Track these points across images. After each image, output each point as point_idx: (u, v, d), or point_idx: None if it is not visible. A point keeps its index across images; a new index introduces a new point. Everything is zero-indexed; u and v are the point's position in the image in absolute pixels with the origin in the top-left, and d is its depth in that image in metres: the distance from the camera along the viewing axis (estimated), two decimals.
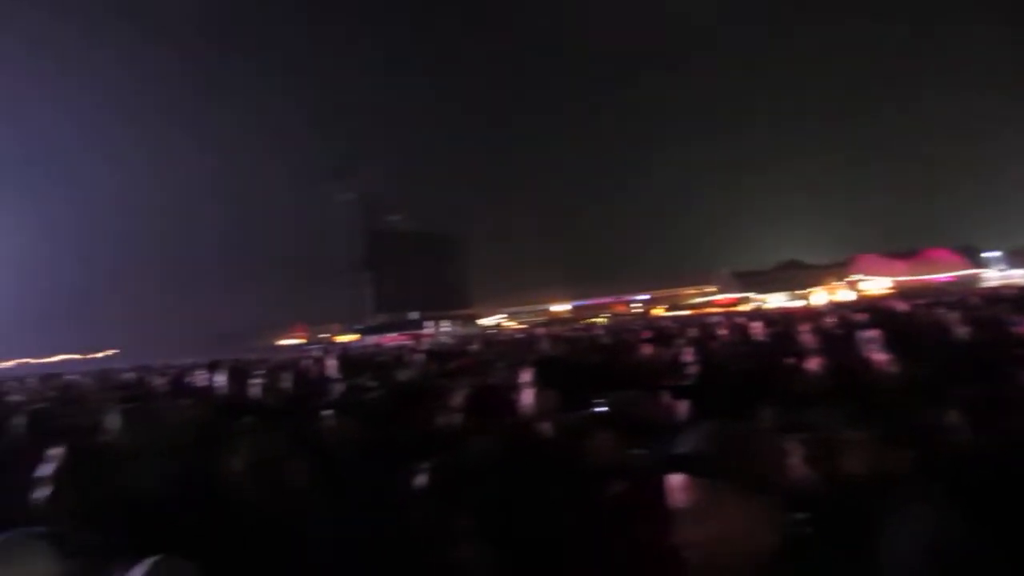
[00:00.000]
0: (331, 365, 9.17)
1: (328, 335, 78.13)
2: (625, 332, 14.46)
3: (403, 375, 8.00)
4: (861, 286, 70.75)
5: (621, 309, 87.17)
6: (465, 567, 2.08)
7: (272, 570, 2.33)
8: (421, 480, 2.54)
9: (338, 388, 5.63)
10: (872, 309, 13.43)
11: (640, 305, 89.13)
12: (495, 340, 20.32)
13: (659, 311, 71.37)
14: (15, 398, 8.19)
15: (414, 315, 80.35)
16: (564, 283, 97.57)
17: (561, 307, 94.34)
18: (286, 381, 6.46)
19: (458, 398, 3.49)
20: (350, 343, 49.62)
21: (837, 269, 79.49)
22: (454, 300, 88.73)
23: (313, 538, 2.57)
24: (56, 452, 2.53)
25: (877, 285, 68.26)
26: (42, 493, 2.43)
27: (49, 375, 16.99)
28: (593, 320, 59.09)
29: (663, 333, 8.41)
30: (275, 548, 2.40)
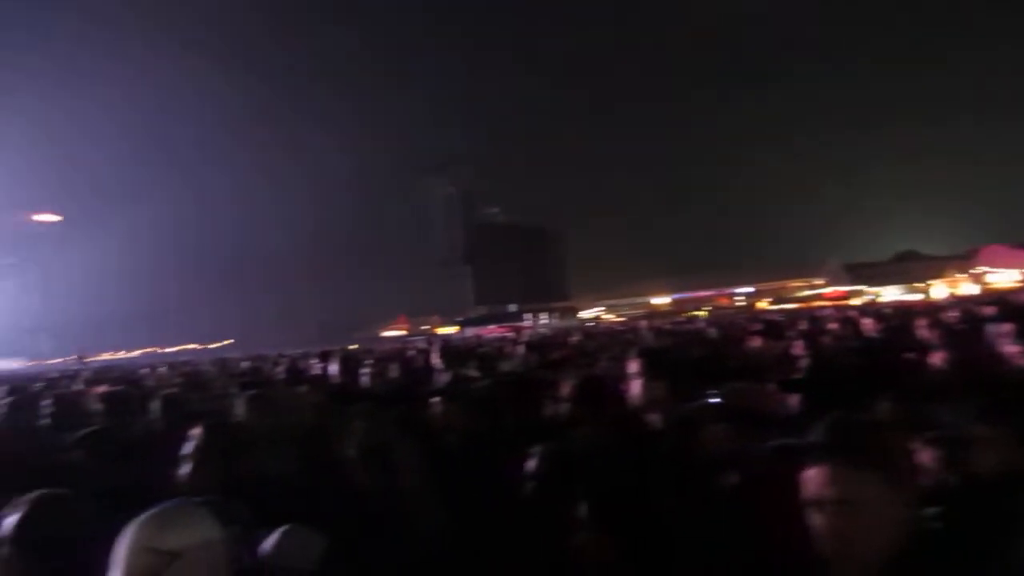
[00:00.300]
0: (435, 356, 9.40)
1: (429, 327, 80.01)
2: (731, 325, 14.05)
3: (506, 366, 8.09)
4: (987, 279, 65.85)
5: (724, 302, 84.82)
6: (579, 554, 2.09)
7: (382, 551, 2.41)
8: (532, 467, 2.57)
9: (443, 378, 5.76)
10: (1001, 302, 12.46)
11: (743, 298, 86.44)
12: (595, 332, 20.21)
13: (764, 304, 68.94)
14: (149, 384, 8.84)
15: (513, 307, 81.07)
16: (664, 276, 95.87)
17: (661, 300, 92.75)
18: (393, 370, 6.68)
19: (565, 388, 3.50)
20: (450, 335, 50.66)
21: (958, 261, 74.44)
22: (553, 293, 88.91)
23: (422, 522, 2.65)
24: (194, 433, 2.73)
25: (1004, 278, 63.32)
26: (182, 470, 2.63)
27: (175, 363, 18.21)
28: (695, 313, 57.73)
29: (773, 326, 8.12)
30: (385, 530, 2.48)
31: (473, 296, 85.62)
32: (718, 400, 2.88)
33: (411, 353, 10.96)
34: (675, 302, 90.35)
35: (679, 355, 6.00)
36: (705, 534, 2.01)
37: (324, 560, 1.77)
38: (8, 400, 5.38)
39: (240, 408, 3.48)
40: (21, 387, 7.68)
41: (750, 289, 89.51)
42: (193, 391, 6.69)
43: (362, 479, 2.70)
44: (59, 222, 56.20)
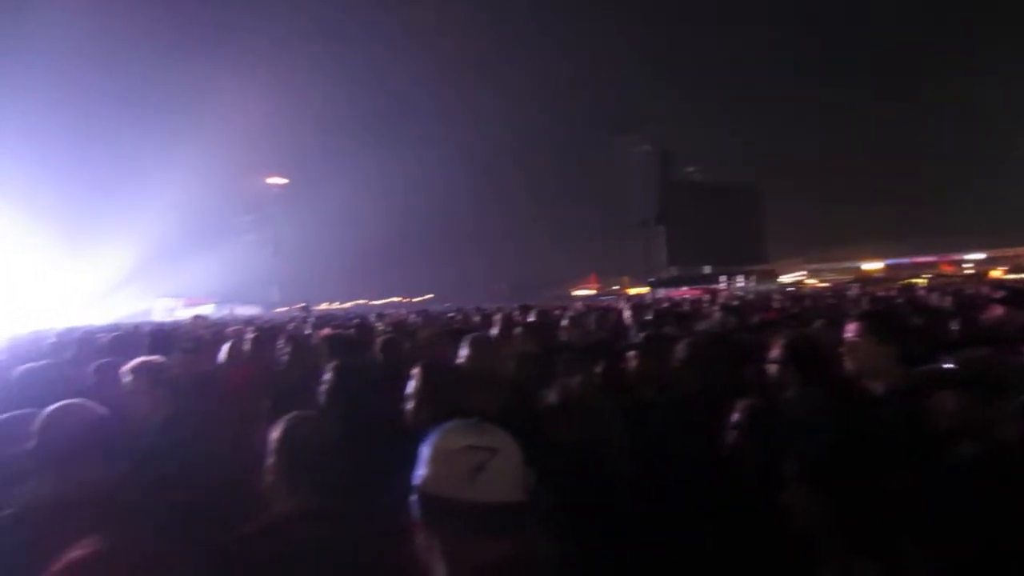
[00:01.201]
0: (627, 313, 9.39)
1: (619, 287, 79.78)
2: (962, 293, 12.61)
3: (701, 326, 7.89)
4: None
5: (949, 269, 76.04)
6: (786, 511, 2.01)
7: (583, 500, 2.47)
8: (737, 419, 2.50)
9: (638, 334, 5.75)
10: None
11: (972, 265, 76.95)
12: (799, 297, 19.06)
13: (997, 273, 60.81)
14: (368, 329, 9.66)
15: (707, 269, 78.37)
16: (876, 239, 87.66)
17: (873, 265, 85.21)
18: (590, 325, 6.78)
19: (774, 349, 3.35)
20: (641, 296, 50.16)
21: None
22: (750, 255, 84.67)
23: (619, 472, 2.68)
24: (414, 373, 2.98)
25: None
26: (406, 406, 2.89)
27: (383, 313, 19.70)
28: (912, 280, 52.28)
29: (1019, 294, 7.16)
30: (585, 478, 2.54)
31: (665, 256, 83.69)
32: (953, 367, 2.60)
33: (605, 310, 11.03)
34: (889, 268, 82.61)
35: (903, 321, 5.49)
36: (939, 507, 1.85)
37: (534, 492, 1.86)
38: (252, 337, 6.17)
39: (462, 351, 3.74)
40: (265, 328, 8.76)
41: (981, 256, 79.59)
42: (404, 337, 7.26)
43: (563, 427, 2.79)
44: (287, 184, 62.49)
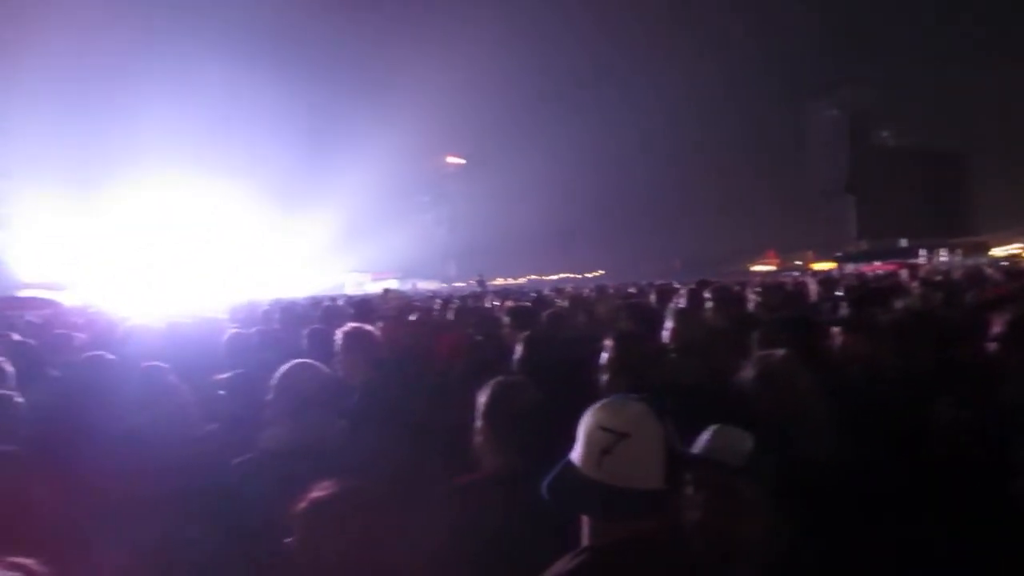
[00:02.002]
0: (815, 289, 8.84)
1: (801, 262, 75.07)
2: None
3: (901, 303, 7.27)
4: None
5: None
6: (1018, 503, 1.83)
7: (784, 477, 2.38)
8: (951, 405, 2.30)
9: (833, 310, 5.44)
10: None
11: None
12: (1016, 272, 16.92)
13: None
14: (543, 301, 9.86)
15: (903, 242, 71.67)
16: None
17: None
18: (775, 299, 6.46)
19: (996, 326, 3.02)
20: (827, 271, 46.95)
21: None
22: (955, 226, 76.30)
23: (818, 450, 2.55)
24: (607, 344, 3.03)
25: None
26: (601, 377, 2.94)
27: (559, 288, 19.96)
28: None
29: None
30: (785, 455, 2.44)
31: (855, 229, 77.35)
32: None
33: (792, 283, 10.47)
34: None
35: None
36: None
37: (753, 458, 1.84)
38: (454, 308, 6.57)
39: (667, 323, 3.77)
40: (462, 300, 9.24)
41: None
42: (577, 309, 7.34)
43: (763, 402, 2.69)
44: (464, 164, 64.83)
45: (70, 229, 45.64)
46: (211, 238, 50.43)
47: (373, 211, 54.64)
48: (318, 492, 1.76)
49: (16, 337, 6.47)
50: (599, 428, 1.59)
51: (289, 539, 1.74)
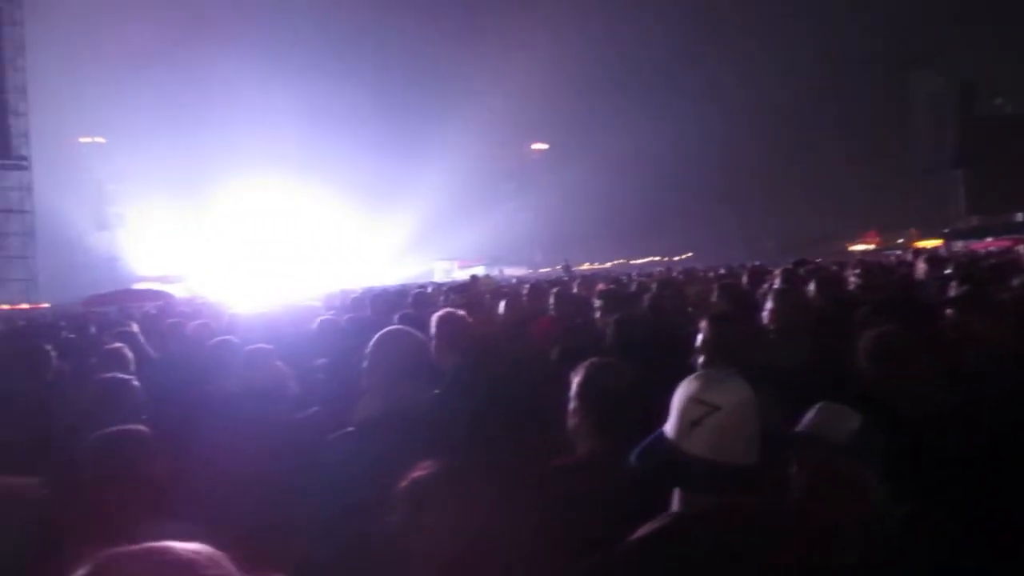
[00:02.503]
0: (922, 268, 8.37)
1: (903, 240, 70.99)
2: None
3: (1019, 280, 6.77)
4: None
5: None
6: None
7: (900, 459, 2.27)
8: None
9: (936, 288, 5.15)
10: None
11: None
12: None
13: None
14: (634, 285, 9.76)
15: (1020, 216, 66.69)
16: None
17: None
18: (878, 278, 6.17)
19: None
20: (933, 249, 44.36)
21: None
22: None
23: (938, 432, 2.41)
24: (702, 326, 2.96)
25: None
26: (696, 359, 2.89)
27: (647, 271, 19.69)
28: None
29: None
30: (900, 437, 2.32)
31: (964, 204, 72.54)
32: None
33: (896, 262, 9.96)
34: None
35: None
36: None
37: (859, 436, 1.77)
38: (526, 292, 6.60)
39: (767, 304, 3.68)
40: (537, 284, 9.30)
41: None
42: (667, 292, 7.24)
43: (868, 380, 2.59)
44: (548, 150, 64.72)
45: (180, 228, 48.85)
46: (307, 233, 52.71)
47: (459, 200, 55.30)
48: (420, 470, 1.79)
49: (135, 327, 6.94)
50: (692, 399, 1.59)
51: (390, 516, 1.77)
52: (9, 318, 19.10)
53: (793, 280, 5.53)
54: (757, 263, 16.07)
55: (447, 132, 54.68)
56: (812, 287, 4.73)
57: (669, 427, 1.63)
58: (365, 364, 2.76)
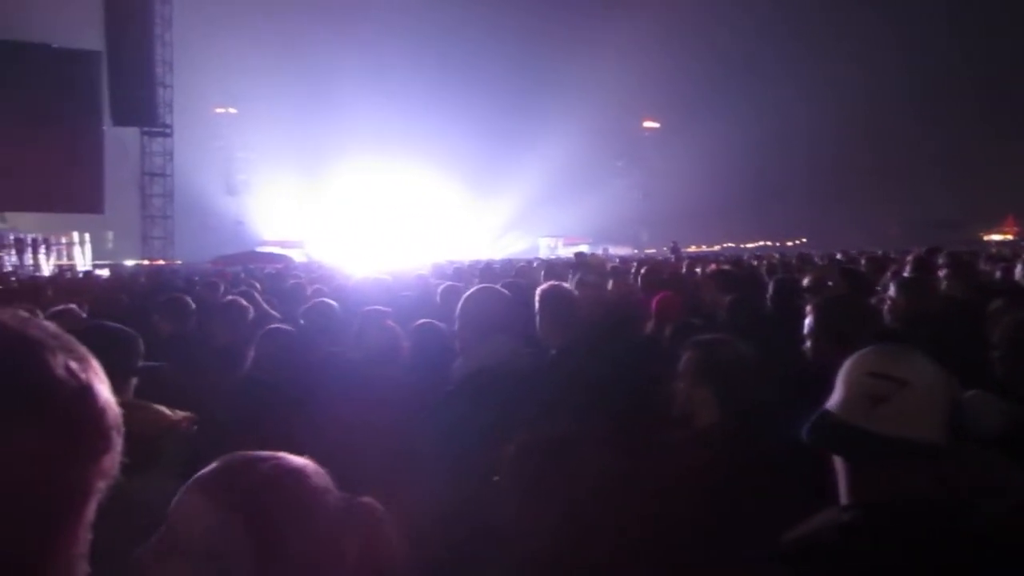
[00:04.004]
0: None
1: None
2: None
3: None
4: None
5: None
6: None
7: None
8: None
9: None
10: None
11: None
12: None
13: None
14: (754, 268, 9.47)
15: None
16: None
17: None
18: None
19: None
20: None
21: None
22: None
23: None
24: (809, 309, 2.87)
25: None
26: (805, 343, 2.80)
27: (759, 255, 19.04)
28: None
29: None
30: None
31: None
32: None
33: None
34: None
35: None
36: None
37: (1009, 427, 1.66)
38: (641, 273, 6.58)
39: (891, 293, 3.52)
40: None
41: None
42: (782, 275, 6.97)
43: (1005, 372, 2.43)
44: (659, 128, 63.28)
45: (300, 196, 51.51)
46: (416, 207, 54.39)
47: (567, 177, 55.08)
48: (525, 435, 1.79)
49: (257, 287, 7.41)
50: (870, 375, 1.50)
51: (497, 478, 1.78)
52: (152, 272, 20.76)
53: (926, 267, 5.21)
54: (876, 250, 15.20)
55: (558, 109, 54.45)
56: (943, 275, 4.44)
57: (841, 404, 1.53)
58: (456, 326, 2.80)
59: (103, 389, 0.66)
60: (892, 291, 3.70)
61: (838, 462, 1.52)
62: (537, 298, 3.43)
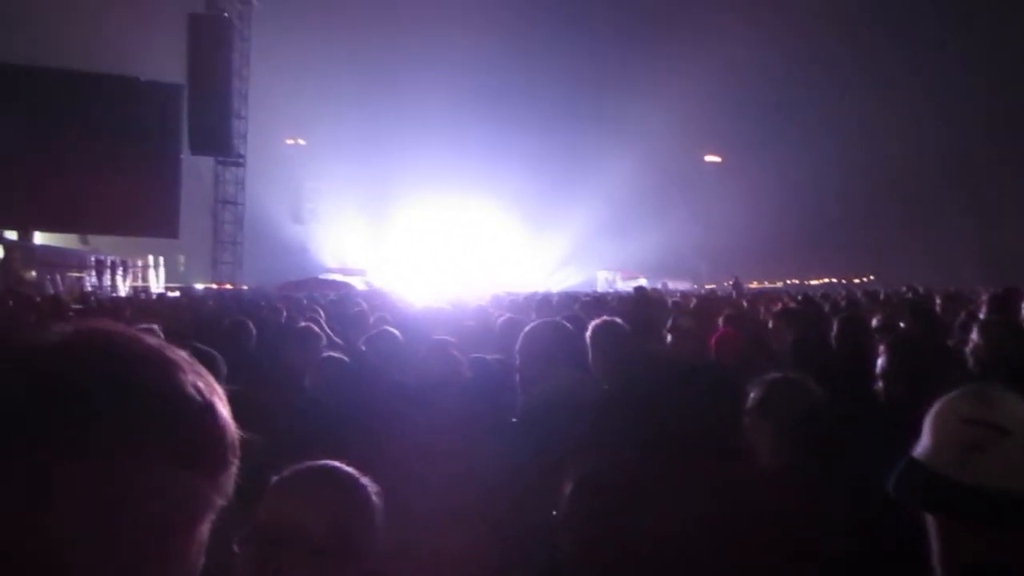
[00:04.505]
0: None
1: None
2: None
3: None
4: None
5: None
6: None
7: None
8: None
9: None
10: None
11: None
12: None
13: None
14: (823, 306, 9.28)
15: None
16: None
17: None
18: None
19: None
20: None
21: None
22: None
23: None
24: (883, 349, 2.81)
25: None
26: (878, 383, 2.74)
27: (826, 293, 18.65)
28: None
29: None
30: None
31: None
32: None
33: None
34: None
35: None
36: None
37: None
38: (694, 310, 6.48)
39: (973, 336, 3.42)
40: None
41: None
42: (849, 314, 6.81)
43: None
44: (721, 162, 62.70)
45: (364, 226, 52.94)
46: (475, 240, 55.28)
47: (626, 209, 55.02)
48: (586, 466, 1.79)
49: (321, 314, 7.62)
50: (964, 421, 1.37)
51: (557, 507, 1.78)
52: (220, 295, 21.56)
53: (1007, 307, 4.99)
54: (952, 289, 14.63)
55: (618, 144, 54.60)
56: None
57: (930, 452, 1.40)
58: (518, 359, 2.83)
59: (224, 409, 0.69)
60: (975, 334, 3.52)
61: (929, 520, 1.39)
62: (589, 334, 3.39)
